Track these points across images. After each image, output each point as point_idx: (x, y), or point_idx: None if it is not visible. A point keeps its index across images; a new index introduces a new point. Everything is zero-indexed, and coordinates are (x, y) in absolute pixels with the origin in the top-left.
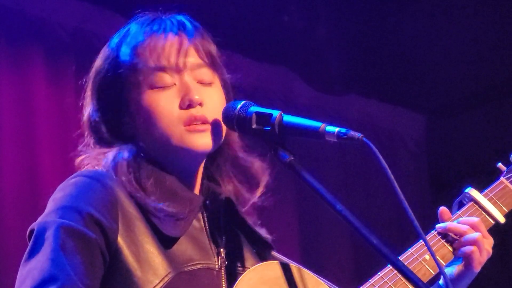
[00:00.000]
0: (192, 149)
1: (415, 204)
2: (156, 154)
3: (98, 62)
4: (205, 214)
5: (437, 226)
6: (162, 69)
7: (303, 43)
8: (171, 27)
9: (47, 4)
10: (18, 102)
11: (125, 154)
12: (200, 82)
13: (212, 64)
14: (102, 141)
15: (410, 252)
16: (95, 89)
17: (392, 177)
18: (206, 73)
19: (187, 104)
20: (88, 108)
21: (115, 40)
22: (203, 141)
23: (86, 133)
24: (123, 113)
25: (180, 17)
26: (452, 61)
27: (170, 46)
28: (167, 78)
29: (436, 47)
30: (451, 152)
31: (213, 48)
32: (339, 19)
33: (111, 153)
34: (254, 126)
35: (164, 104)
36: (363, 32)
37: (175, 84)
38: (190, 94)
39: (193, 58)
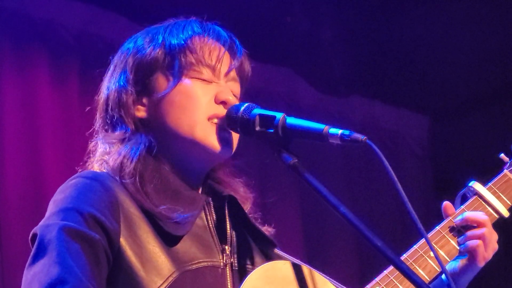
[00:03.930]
0: (216, 152)
1: (419, 206)
2: (168, 148)
3: (138, 42)
4: (208, 213)
5: (455, 220)
6: (210, 65)
7: (307, 44)
8: (224, 37)
9: (52, 6)
10: (23, 104)
11: (132, 152)
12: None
13: (244, 83)
14: (115, 121)
15: (415, 249)
16: (134, 64)
17: (395, 178)
18: (238, 87)
19: (222, 100)
20: (113, 82)
21: (159, 29)
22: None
23: (100, 113)
24: (143, 95)
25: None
26: (455, 63)
27: (221, 50)
28: (209, 74)
29: (440, 49)
30: (454, 153)
31: (249, 71)
32: (343, 21)
33: (117, 150)
34: (257, 128)
35: (201, 93)
36: (367, 34)
37: (212, 82)
38: (227, 93)
39: (235, 73)
